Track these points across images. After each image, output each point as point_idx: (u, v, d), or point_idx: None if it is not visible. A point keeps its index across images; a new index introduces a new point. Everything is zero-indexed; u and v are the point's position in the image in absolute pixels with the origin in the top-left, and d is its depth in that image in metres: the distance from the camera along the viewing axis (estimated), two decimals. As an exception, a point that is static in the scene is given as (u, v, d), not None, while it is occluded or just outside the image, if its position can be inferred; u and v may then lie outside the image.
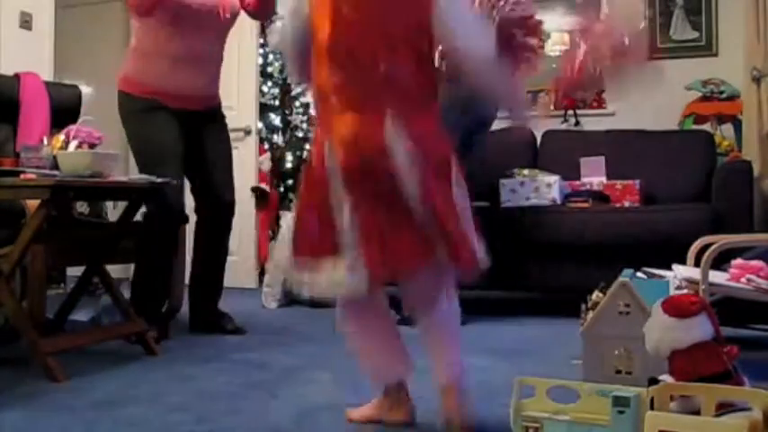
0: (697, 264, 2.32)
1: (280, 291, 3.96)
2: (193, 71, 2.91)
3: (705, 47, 4.60)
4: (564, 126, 4.87)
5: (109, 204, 3.52)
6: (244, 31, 4.67)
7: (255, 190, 4.62)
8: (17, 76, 3.26)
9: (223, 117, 3.15)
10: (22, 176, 2.24)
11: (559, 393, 1.44)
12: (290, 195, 5.00)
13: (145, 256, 2.89)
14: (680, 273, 2.28)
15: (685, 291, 2.00)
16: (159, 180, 2.56)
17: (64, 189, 2.24)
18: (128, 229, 2.79)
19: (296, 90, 5.23)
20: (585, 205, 3.64)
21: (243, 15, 3.13)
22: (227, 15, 2.96)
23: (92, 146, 2.66)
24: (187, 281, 3.14)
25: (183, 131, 2.93)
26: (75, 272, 2.91)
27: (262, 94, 4.85)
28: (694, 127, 4.28)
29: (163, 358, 2.56)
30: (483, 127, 3.13)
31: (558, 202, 3.71)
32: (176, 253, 2.99)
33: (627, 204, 3.74)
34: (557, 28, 4.70)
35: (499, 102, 1.75)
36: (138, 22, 2.90)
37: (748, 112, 3.78)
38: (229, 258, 4.37)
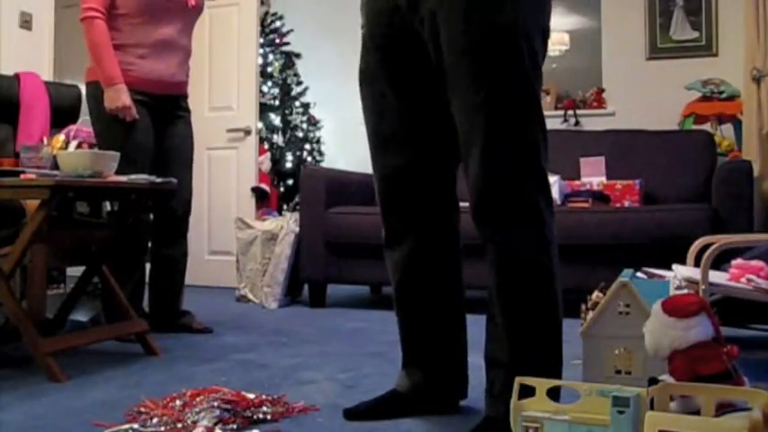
0: (697, 264, 2.32)
1: (280, 291, 3.97)
2: (162, 58, 2.96)
3: (705, 47, 4.61)
4: (564, 126, 4.88)
5: (105, 204, 3.52)
6: (244, 31, 4.68)
7: (255, 190, 4.62)
8: (17, 76, 3.27)
9: (189, 111, 3.17)
10: (22, 176, 2.24)
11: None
12: (290, 195, 5.01)
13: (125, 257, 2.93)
14: (680, 273, 2.28)
15: (685, 291, 1.99)
16: (159, 180, 2.56)
17: (64, 189, 2.24)
18: (127, 228, 2.80)
19: (296, 90, 5.25)
20: (585, 205, 3.64)
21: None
22: (193, 4, 3.04)
23: (92, 146, 2.67)
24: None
25: (152, 123, 2.96)
26: (75, 272, 2.91)
27: (262, 94, 4.86)
28: (694, 127, 4.28)
29: (163, 358, 2.56)
30: None
31: (558, 202, 3.71)
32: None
33: (627, 204, 3.74)
34: (557, 28, 4.72)
35: None
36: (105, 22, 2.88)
37: (748, 112, 3.78)
38: (230, 259, 4.40)
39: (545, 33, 1.66)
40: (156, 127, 2.99)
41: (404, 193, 1.81)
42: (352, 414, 1.81)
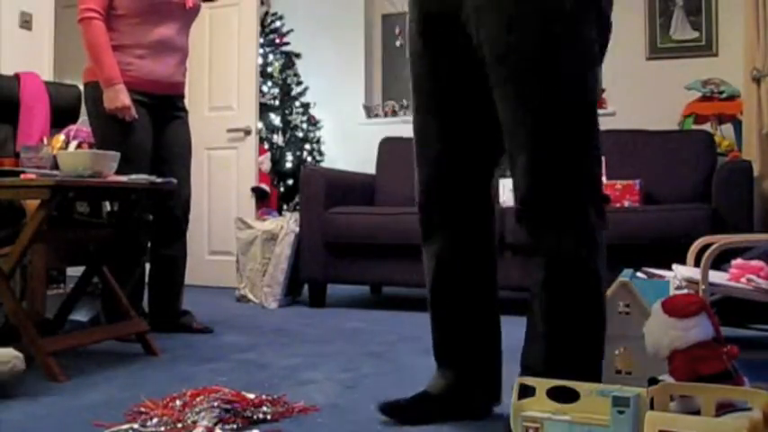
0: (697, 264, 2.32)
1: (280, 291, 3.97)
2: (160, 58, 2.97)
3: (705, 47, 4.60)
4: (564, 126, 4.87)
5: (109, 204, 3.52)
6: (244, 31, 4.68)
7: (255, 190, 4.62)
8: (17, 76, 3.26)
9: (186, 111, 3.18)
10: (22, 176, 2.24)
11: (559, 393, 1.43)
12: (290, 195, 5.01)
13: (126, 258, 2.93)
14: (680, 273, 2.28)
15: (685, 291, 1.99)
16: (159, 180, 2.57)
17: (64, 189, 2.24)
18: (128, 229, 2.80)
19: (296, 90, 5.25)
20: (585, 205, 3.63)
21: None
22: (191, 5, 3.04)
23: (92, 146, 2.67)
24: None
25: (151, 123, 2.97)
26: (75, 272, 2.91)
27: (262, 94, 4.85)
28: (694, 127, 4.27)
29: (163, 358, 2.56)
30: None
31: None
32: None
33: (627, 204, 3.74)
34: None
35: None
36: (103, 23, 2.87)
37: (748, 112, 3.78)
38: (230, 259, 4.40)
39: (601, 20, 1.58)
40: (154, 127, 2.99)
41: (442, 187, 1.77)
42: (388, 409, 1.76)
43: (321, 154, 5.37)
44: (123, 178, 2.45)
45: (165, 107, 3.03)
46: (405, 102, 5.22)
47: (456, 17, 1.65)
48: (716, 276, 2.22)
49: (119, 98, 2.81)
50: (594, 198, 1.58)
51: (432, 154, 1.76)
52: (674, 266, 2.40)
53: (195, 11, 3.11)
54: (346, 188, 4.16)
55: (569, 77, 1.53)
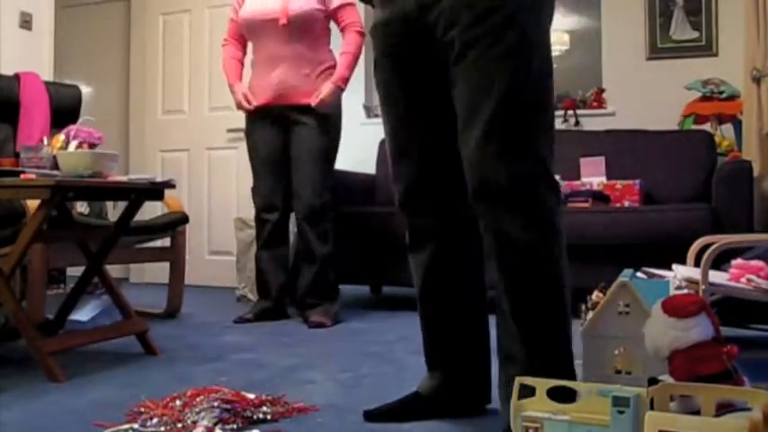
0: (697, 264, 2.32)
1: (280, 291, 3.96)
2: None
3: (705, 47, 4.60)
4: (564, 126, 4.88)
5: (109, 204, 3.52)
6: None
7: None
8: (17, 76, 3.27)
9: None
10: (22, 176, 2.24)
11: (559, 393, 1.43)
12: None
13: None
14: (680, 273, 2.27)
15: (685, 291, 1.99)
16: (159, 180, 2.57)
17: (64, 189, 2.24)
18: (128, 228, 2.80)
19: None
20: (585, 205, 3.64)
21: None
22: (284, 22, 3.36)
23: (92, 146, 2.66)
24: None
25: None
26: (75, 272, 2.91)
27: (262, 94, 4.84)
28: (694, 127, 4.27)
29: (163, 358, 2.56)
30: None
31: (558, 202, 3.71)
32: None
33: (627, 204, 3.74)
34: (557, 28, 4.70)
35: None
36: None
37: (748, 112, 3.78)
38: (230, 259, 4.40)
39: (552, 13, 1.70)
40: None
41: (424, 198, 1.78)
42: (372, 416, 1.78)
43: (321, 154, 5.35)
44: (123, 178, 2.45)
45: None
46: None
47: (424, 20, 1.66)
48: (716, 276, 2.22)
49: None
50: (550, 182, 1.64)
51: (408, 164, 1.77)
52: (674, 266, 2.40)
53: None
54: (346, 188, 4.15)
55: (532, 63, 1.58)
